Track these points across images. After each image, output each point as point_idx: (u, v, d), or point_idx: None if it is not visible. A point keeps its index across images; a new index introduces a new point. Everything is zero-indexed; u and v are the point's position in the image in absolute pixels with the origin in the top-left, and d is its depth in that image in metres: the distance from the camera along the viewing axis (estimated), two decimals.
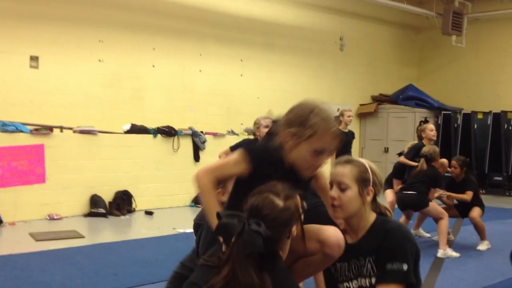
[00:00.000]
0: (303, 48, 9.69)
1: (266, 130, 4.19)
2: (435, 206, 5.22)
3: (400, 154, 6.15)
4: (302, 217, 1.71)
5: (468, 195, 5.45)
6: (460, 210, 5.61)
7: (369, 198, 2.02)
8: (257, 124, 4.71)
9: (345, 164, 2.03)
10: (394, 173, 5.91)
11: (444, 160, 5.71)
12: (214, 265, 1.57)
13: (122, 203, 6.77)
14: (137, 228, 6.34)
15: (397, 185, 5.69)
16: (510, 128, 10.09)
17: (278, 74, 9.25)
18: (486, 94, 10.97)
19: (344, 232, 2.07)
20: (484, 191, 9.60)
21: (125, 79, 7.59)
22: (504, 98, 10.69)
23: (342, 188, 2.00)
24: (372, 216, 2.03)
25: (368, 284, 1.97)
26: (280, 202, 1.62)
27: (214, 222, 1.80)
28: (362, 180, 2.01)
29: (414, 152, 5.75)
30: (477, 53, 11.25)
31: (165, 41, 7.96)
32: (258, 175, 1.89)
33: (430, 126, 5.99)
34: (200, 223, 2.63)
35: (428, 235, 5.79)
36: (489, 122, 10.32)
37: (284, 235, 1.64)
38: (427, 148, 5.46)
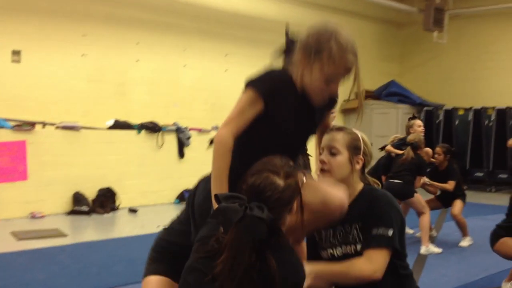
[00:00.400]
0: None
1: None
2: (419, 198, 5.25)
3: (382, 149, 6.14)
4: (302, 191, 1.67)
5: (450, 185, 5.51)
6: (443, 201, 5.67)
7: (358, 167, 2.04)
8: None
9: (338, 131, 2.06)
10: (382, 170, 5.91)
11: (428, 149, 5.78)
12: (213, 251, 1.52)
13: (106, 200, 6.71)
14: (121, 226, 6.30)
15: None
16: (491, 124, 10.25)
17: None
18: (467, 90, 11.12)
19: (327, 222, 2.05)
20: (466, 187, 9.74)
21: (108, 74, 7.51)
22: (485, 94, 10.84)
23: (333, 153, 2.02)
24: (359, 185, 2.05)
25: (353, 250, 1.98)
26: (281, 182, 1.56)
27: (216, 190, 1.75)
28: (354, 147, 2.03)
29: (401, 143, 5.77)
30: (458, 49, 11.37)
31: (149, 35, 7.89)
32: (271, 108, 1.84)
33: (418, 122, 5.98)
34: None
35: (411, 231, 5.85)
36: (470, 118, 10.47)
37: (286, 213, 1.60)
38: (413, 137, 5.49)
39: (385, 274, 1.90)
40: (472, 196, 8.32)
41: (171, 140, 7.62)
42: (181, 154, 7.68)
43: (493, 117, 10.24)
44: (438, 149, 5.68)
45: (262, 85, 1.85)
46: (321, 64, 1.83)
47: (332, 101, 2.05)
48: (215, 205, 1.57)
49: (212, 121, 8.34)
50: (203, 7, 8.39)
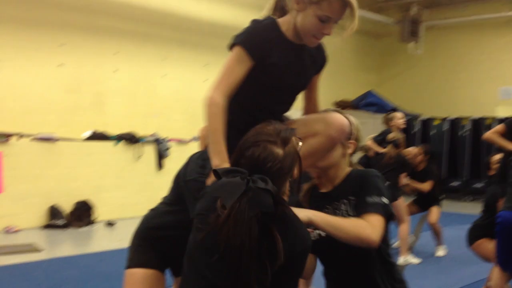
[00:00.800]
0: None
1: None
2: (402, 204, 5.27)
3: (362, 148, 6.06)
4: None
5: (427, 185, 5.55)
6: (420, 204, 5.70)
7: (349, 151, 2.05)
8: None
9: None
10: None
11: (411, 149, 5.78)
12: (216, 228, 1.44)
13: (82, 214, 6.60)
14: (98, 240, 6.21)
15: None
16: (466, 134, 10.43)
17: None
18: (442, 101, 11.31)
19: (318, 183, 2.05)
20: (443, 196, 9.86)
21: (86, 84, 7.42)
22: (460, 104, 11.04)
23: None
24: (348, 169, 2.05)
25: None
26: (279, 150, 1.51)
27: (214, 153, 1.73)
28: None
29: (382, 137, 5.72)
30: (433, 60, 11.58)
31: (128, 45, 7.83)
32: (262, 62, 1.80)
33: (399, 114, 5.94)
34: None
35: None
36: (445, 128, 10.64)
37: (287, 181, 1.57)
38: (393, 135, 5.48)
39: (373, 259, 1.89)
40: (448, 206, 8.43)
41: (149, 151, 7.55)
42: (159, 165, 7.62)
43: (468, 127, 10.43)
44: (417, 149, 5.74)
45: (248, 41, 1.80)
46: (315, 7, 1.78)
47: (321, 63, 2.03)
48: (218, 152, 1.53)
49: (191, 132, 8.29)
50: (182, 17, 8.37)
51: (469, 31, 11.17)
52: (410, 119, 10.97)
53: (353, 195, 1.92)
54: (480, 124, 10.28)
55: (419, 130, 10.92)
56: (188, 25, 8.47)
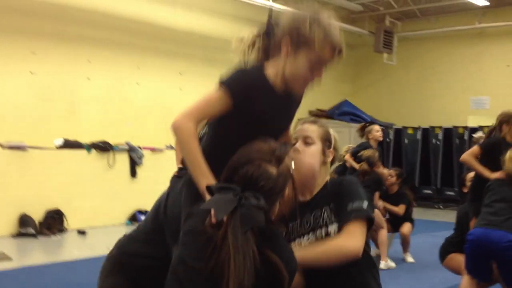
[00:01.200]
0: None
1: None
2: (378, 213, 5.32)
3: (339, 158, 6.11)
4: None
5: (400, 208, 5.61)
6: (392, 224, 5.77)
7: (329, 159, 2.07)
8: None
9: (312, 123, 2.09)
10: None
11: (385, 170, 5.82)
12: (207, 247, 1.41)
13: (53, 222, 6.48)
14: (69, 248, 6.12)
15: None
16: (438, 143, 10.63)
17: None
18: (415, 110, 11.51)
19: (299, 191, 2.02)
20: (415, 204, 9.99)
21: (58, 92, 7.33)
22: (431, 113, 11.25)
23: (308, 143, 2.03)
24: (327, 177, 2.08)
25: (323, 233, 1.94)
26: (273, 170, 1.51)
27: (199, 175, 1.70)
28: (327, 140, 2.06)
29: (359, 149, 5.73)
30: (406, 70, 11.79)
31: (101, 53, 7.77)
32: (245, 107, 1.79)
33: (377, 127, 5.93)
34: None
35: None
36: (418, 137, 10.82)
37: (278, 201, 1.55)
38: (367, 152, 5.51)
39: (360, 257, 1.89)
40: (421, 213, 8.55)
41: (123, 160, 7.48)
42: (133, 173, 7.55)
43: (440, 136, 10.63)
44: (390, 171, 5.80)
45: (235, 87, 1.80)
46: (306, 51, 1.78)
47: (300, 100, 2.05)
48: (201, 176, 1.52)
49: (165, 140, 8.25)
50: (157, 25, 8.36)
51: (441, 43, 11.43)
52: (384, 128, 11.13)
53: (333, 202, 1.94)
54: (452, 133, 10.49)
55: (393, 139, 11.08)
56: (163, 33, 8.46)
